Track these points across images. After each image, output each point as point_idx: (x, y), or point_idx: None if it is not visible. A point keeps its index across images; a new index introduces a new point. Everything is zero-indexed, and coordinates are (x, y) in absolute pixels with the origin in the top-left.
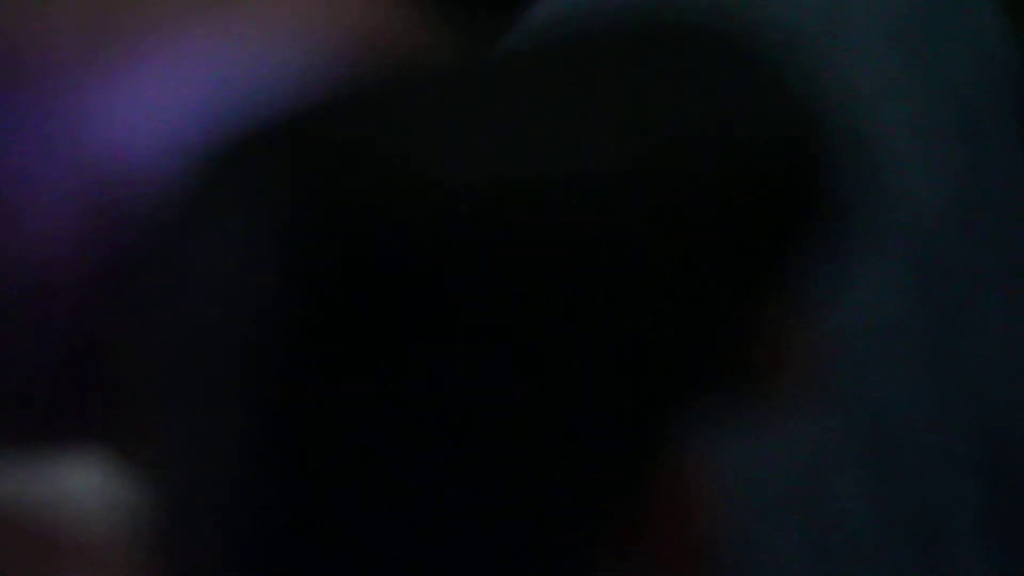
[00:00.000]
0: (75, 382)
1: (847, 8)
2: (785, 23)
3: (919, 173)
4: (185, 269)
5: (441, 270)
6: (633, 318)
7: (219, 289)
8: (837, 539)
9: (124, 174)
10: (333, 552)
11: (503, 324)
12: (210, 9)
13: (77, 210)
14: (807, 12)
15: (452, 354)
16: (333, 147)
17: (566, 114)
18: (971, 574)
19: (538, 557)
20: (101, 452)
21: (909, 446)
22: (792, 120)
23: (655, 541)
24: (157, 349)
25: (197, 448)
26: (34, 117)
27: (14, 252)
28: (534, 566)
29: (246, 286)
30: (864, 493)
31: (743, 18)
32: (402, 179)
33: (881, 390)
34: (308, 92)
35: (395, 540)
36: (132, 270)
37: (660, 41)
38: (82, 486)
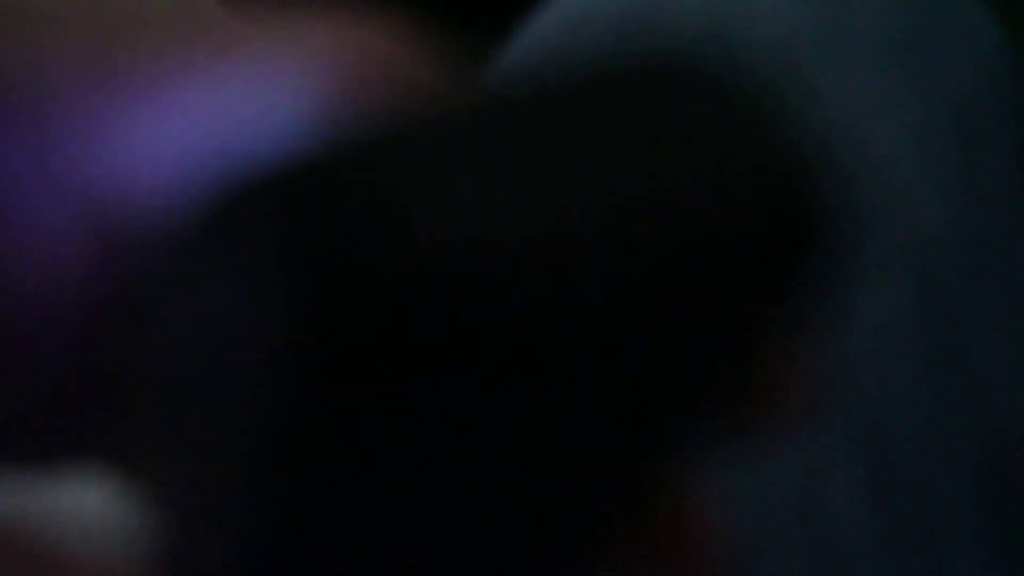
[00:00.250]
0: (77, 401)
1: (845, 19)
2: (781, 37)
3: (917, 182)
4: (182, 301)
5: (435, 316)
6: (629, 358)
7: (214, 323)
8: (838, 548)
9: (126, 204)
10: (332, 565)
11: (500, 365)
12: (214, 46)
13: (79, 238)
14: (804, 24)
15: (445, 395)
16: (328, 196)
17: (555, 161)
18: None
19: None
20: (103, 469)
21: (908, 455)
22: (780, 157)
23: (657, 563)
24: (155, 373)
25: (196, 466)
26: (38, 146)
27: (16, 277)
28: None
29: (240, 323)
30: (864, 502)
31: (726, 56)
32: (398, 231)
33: (880, 399)
34: (307, 136)
35: (394, 557)
36: (132, 297)
37: (646, 85)
38: (84, 502)
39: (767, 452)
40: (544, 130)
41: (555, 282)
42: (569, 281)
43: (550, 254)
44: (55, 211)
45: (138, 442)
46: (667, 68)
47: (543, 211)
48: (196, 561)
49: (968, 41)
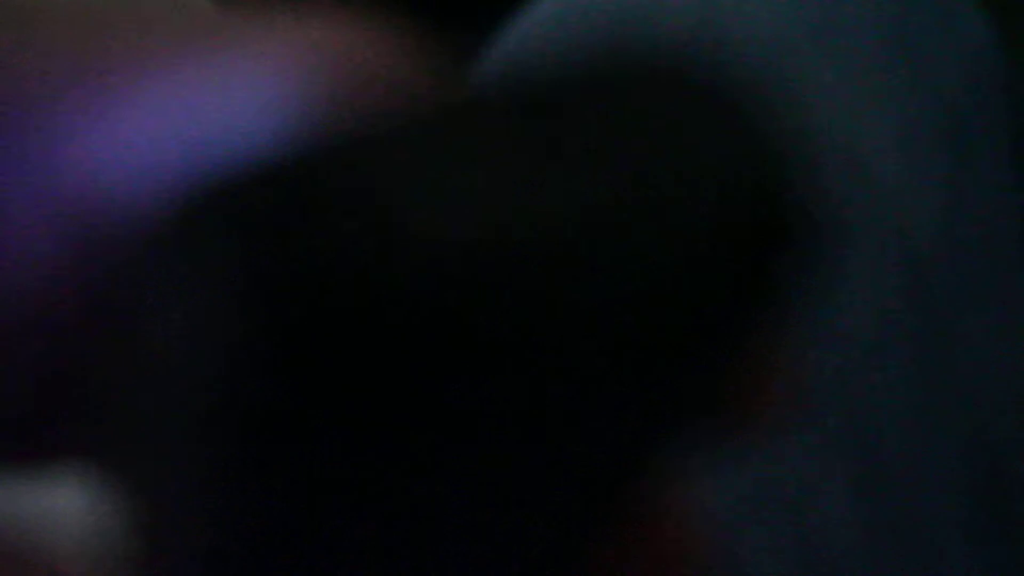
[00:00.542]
0: (53, 403)
1: (836, 18)
2: (771, 36)
3: (907, 183)
4: (157, 303)
5: (416, 318)
6: (614, 361)
7: (189, 325)
8: (827, 553)
9: (103, 205)
10: (306, 567)
11: (483, 367)
12: (197, 45)
13: (55, 239)
14: (795, 23)
15: (427, 398)
16: (308, 196)
17: (540, 163)
18: None
19: None
20: (79, 471)
21: (897, 457)
22: (765, 161)
23: (642, 566)
24: (129, 375)
25: (170, 467)
26: (13, 146)
27: None
28: None
29: (215, 325)
30: (853, 504)
31: (714, 57)
32: (382, 233)
33: (869, 401)
34: (290, 136)
35: (373, 559)
36: (107, 299)
37: (633, 86)
38: (61, 505)
39: (755, 454)
40: (529, 132)
41: (538, 286)
42: (552, 285)
43: (534, 257)
44: (30, 212)
45: (113, 444)
46: (654, 70)
47: (528, 214)
48: (171, 563)
49: (960, 41)
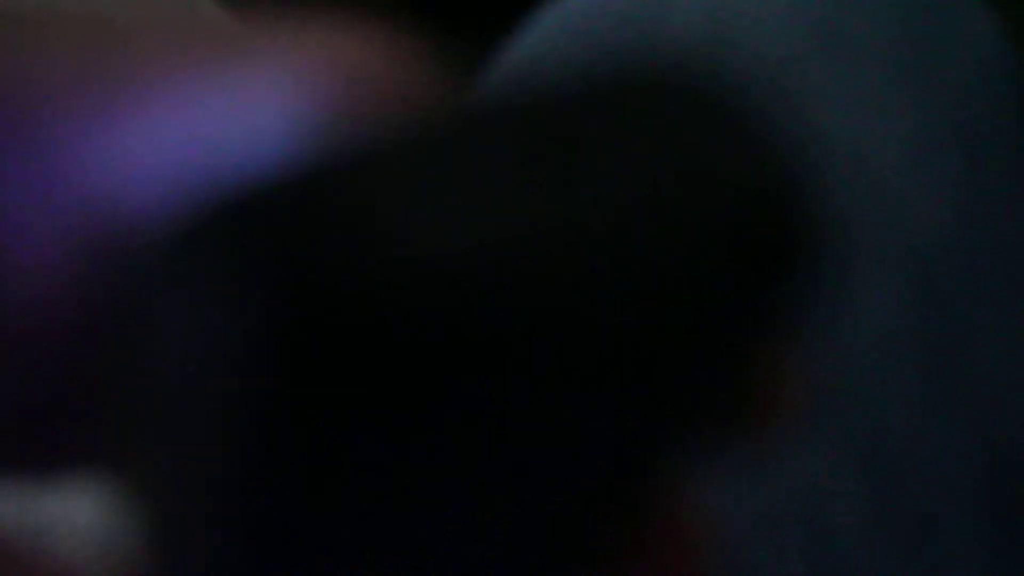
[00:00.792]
0: (68, 410)
1: (844, 20)
2: (779, 39)
3: (917, 187)
4: (168, 312)
5: (425, 328)
6: (619, 369)
7: (199, 335)
8: (837, 557)
9: (116, 213)
10: (318, 569)
11: (486, 376)
12: (207, 54)
13: (68, 247)
14: (802, 29)
15: (431, 405)
16: (315, 214)
17: (543, 176)
18: None
19: None
20: (94, 477)
21: (907, 460)
22: (771, 168)
23: (651, 570)
24: (142, 383)
25: (182, 473)
26: (27, 155)
27: (5, 287)
28: None
29: (224, 335)
30: (863, 508)
31: (720, 66)
32: (387, 244)
33: (880, 405)
34: (297, 147)
35: (382, 560)
36: (120, 307)
37: (638, 98)
38: (76, 511)
39: (765, 459)
40: (533, 144)
41: (548, 293)
42: (557, 293)
43: (541, 266)
44: (44, 220)
45: (127, 451)
46: (660, 78)
47: (532, 223)
48: (181, 567)
49: (968, 43)
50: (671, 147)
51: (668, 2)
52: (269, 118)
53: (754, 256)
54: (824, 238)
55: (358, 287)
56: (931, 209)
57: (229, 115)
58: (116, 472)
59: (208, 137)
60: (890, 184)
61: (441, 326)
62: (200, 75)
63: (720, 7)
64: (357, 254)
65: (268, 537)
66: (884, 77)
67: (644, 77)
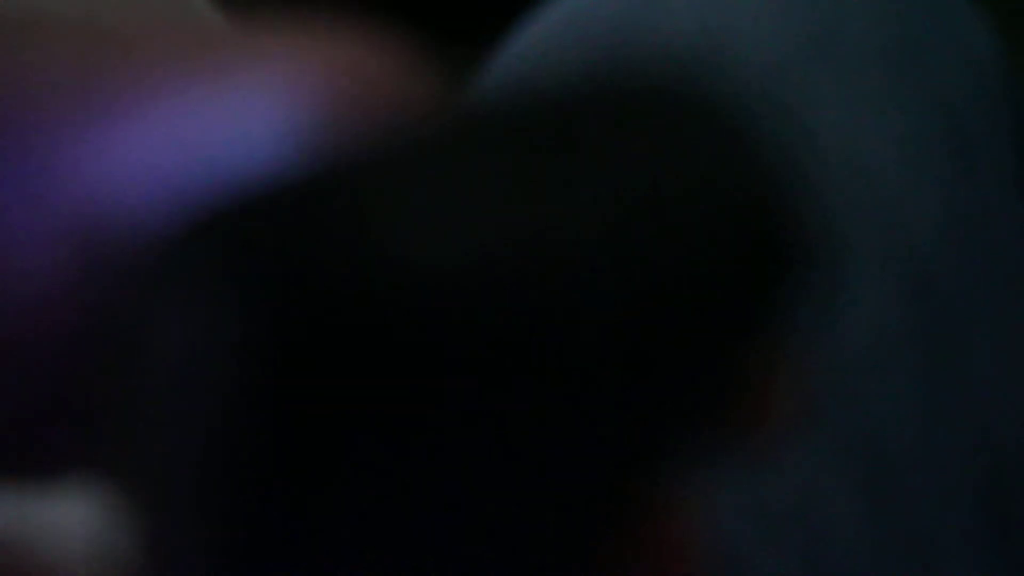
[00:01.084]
0: (59, 415)
1: (837, 25)
2: (773, 44)
3: (910, 190)
4: (157, 318)
5: (420, 340)
6: (612, 374)
7: (188, 340)
8: (834, 561)
9: (109, 218)
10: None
11: (477, 383)
12: (204, 59)
13: (60, 252)
14: (795, 32)
15: (421, 413)
16: (311, 218)
17: (535, 182)
18: None
19: None
20: (86, 482)
21: (903, 463)
22: (762, 174)
23: (645, 572)
24: (131, 388)
25: (171, 478)
26: (19, 158)
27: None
28: None
29: (212, 341)
30: (859, 511)
31: (711, 72)
32: (380, 253)
33: (875, 411)
34: (292, 154)
35: (372, 564)
36: (111, 312)
37: (624, 105)
38: (68, 516)
39: (761, 462)
40: (528, 148)
41: (538, 299)
42: (552, 297)
43: (535, 272)
44: (34, 223)
45: (116, 455)
46: (654, 84)
47: (525, 230)
48: (174, 572)
49: (962, 47)
50: (665, 151)
51: (661, 6)
52: (265, 122)
53: (749, 258)
54: (818, 240)
55: (354, 291)
56: (925, 210)
57: (225, 119)
58: (110, 475)
59: (204, 141)
60: (884, 185)
61: (438, 330)
62: (196, 79)
63: (713, 10)
64: (353, 258)
65: (264, 540)
66: (877, 79)
67: (638, 81)
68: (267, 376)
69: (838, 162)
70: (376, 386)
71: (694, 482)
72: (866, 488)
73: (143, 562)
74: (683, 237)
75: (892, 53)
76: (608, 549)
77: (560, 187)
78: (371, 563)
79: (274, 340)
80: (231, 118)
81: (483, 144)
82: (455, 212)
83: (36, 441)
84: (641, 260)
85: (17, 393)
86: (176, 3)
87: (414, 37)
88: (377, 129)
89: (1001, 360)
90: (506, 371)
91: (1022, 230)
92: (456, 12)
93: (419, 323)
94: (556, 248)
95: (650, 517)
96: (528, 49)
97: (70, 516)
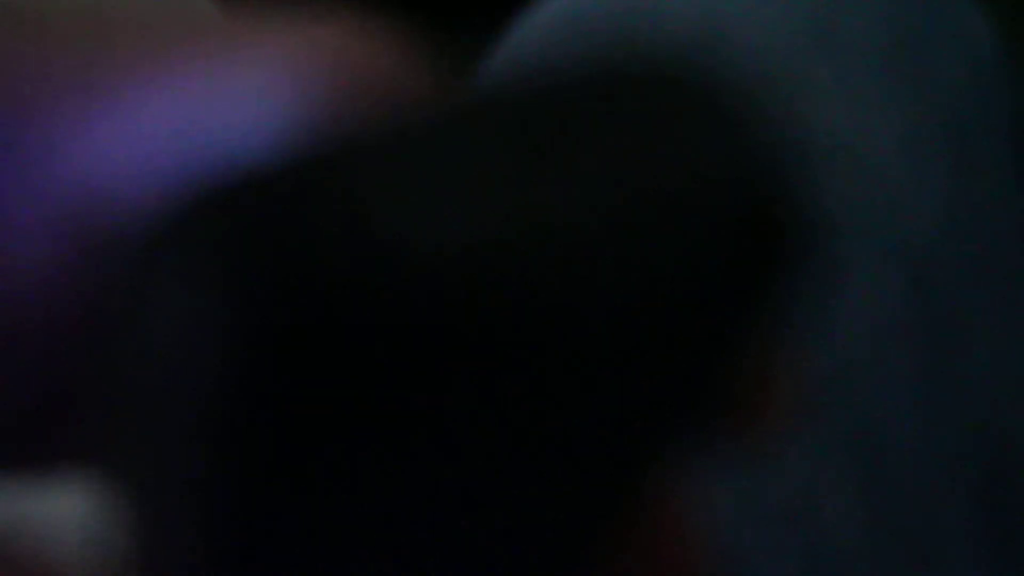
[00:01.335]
0: (53, 406)
1: (838, 20)
2: (773, 37)
3: (910, 185)
4: (148, 306)
5: (415, 331)
6: (608, 367)
7: (178, 328)
8: (832, 559)
9: (101, 208)
10: (299, 566)
11: (471, 373)
12: (199, 49)
13: (53, 242)
14: (795, 25)
15: (414, 401)
16: (305, 207)
17: (530, 170)
18: None
19: None
20: (79, 474)
21: (902, 460)
22: (760, 166)
23: (644, 570)
24: (123, 378)
25: (163, 469)
26: (12, 149)
27: None
28: None
29: (203, 329)
30: (858, 508)
31: (711, 62)
32: (371, 243)
33: (874, 403)
34: (287, 142)
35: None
36: (103, 302)
37: (629, 94)
38: (61, 509)
39: (759, 459)
40: (527, 138)
41: (536, 289)
42: (550, 288)
43: (531, 261)
44: (29, 214)
45: (110, 446)
46: (653, 75)
47: (522, 221)
48: (171, 565)
49: (962, 42)
50: (665, 142)
51: None
52: (260, 111)
53: (747, 251)
54: (817, 233)
55: (350, 277)
56: (923, 204)
57: (220, 108)
58: (103, 469)
59: (198, 130)
60: (882, 180)
61: (435, 321)
62: (191, 68)
63: (714, 2)
64: (349, 244)
65: (257, 535)
66: (877, 73)
67: (638, 71)
68: (262, 362)
69: (837, 156)
70: (373, 374)
71: (693, 480)
72: (865, 486)
73: (137, 555)
74: (683, 225)
75: (891, 47)
76: (608, 547)
77: (559, 174)
78: (369, 557)
79: (269, 326)
80: (227, 107)
81: (482, 131)
82: (453, 199)
83: (31, 433)
84: (639, 249)
85: (12, 384)
86: None
87: (414, 26)
88: (374, 117)
89: (1000, 358)
90: (503, 362)
91: (1021, 227)
92: (456, 2)
93: (415, 308)
94: (554, 235)
95: (650, 515)
96: (528, 39)
97: (65, 510)
